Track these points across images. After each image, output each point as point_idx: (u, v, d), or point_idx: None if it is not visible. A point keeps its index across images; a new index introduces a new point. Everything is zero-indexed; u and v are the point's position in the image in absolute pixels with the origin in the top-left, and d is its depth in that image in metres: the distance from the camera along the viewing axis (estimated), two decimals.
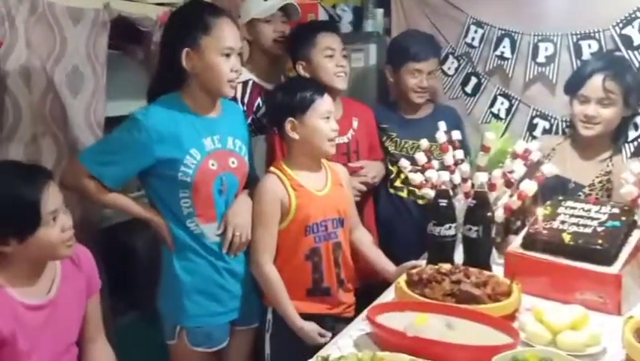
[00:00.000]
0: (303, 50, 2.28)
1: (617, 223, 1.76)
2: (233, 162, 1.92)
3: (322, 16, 2.90)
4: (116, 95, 2.31)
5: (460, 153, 2.11)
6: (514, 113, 2.65)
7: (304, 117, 1.93)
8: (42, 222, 1.46)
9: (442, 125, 2.14)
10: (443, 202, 1.86)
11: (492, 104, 2.70)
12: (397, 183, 2.51)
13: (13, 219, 1.45)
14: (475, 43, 2.70)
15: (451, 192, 1.93)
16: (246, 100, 2.29)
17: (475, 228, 1.81)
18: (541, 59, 2.55)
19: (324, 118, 1.94)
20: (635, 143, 2.35)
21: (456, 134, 2.16)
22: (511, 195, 2.00)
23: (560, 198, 1.97)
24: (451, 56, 2.78)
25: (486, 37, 2.67)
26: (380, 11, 2.92)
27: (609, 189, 2.20)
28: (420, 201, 2.41)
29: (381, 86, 2.81)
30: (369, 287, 2.02)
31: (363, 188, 2.34)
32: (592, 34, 2.44)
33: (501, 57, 2.64)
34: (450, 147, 2.12)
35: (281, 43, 2.37)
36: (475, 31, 2.70)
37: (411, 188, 2.36)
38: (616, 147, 2.29)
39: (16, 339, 1.46)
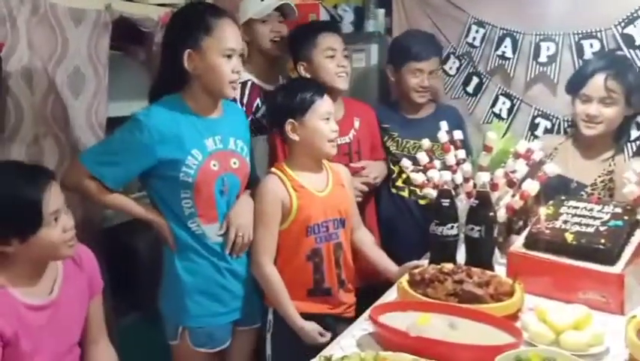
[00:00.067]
0: (304, 51, 2.28)
1: (619, 223, 1.75)
2: (234, 163, 1.92)
3: (323, 16, 2.89)
4: (117, 96, 2.31)
5: (462, 153, 2.11)
6: (515, 112, 2.65)
7: (304, 119, 1.93)
8: (44, 222, 1.46)
9: (444, 125, 2.13)
10: (445, 202, 1.85)
11: (494, 104, 2.69)
12: (399, 183, 2.51)
13: (15, 219, 1.45)
14: (477, 42, 2.70)
15: (453, 192, 1.92)
16: (244, 100, 2.29)
17: (477, 228, 1.81)
18: (542, 58, 2.54)
19: (324, 119, 1.94)
20: (638, 142, 2.35)
21: (458, 134, 2.15)
22: (513, 195, 2.00)
23: (563, 197, 1.97)
24: (452, 56, 2.77)
25: (487, 37, 2.67)
26: (381, 11, 2.92)
27: (611, 188, 2.20)
28: (421, 201, 2.41)
29: (383, 86, 2.80)
30: (369, 287, 2.02)
31: (365, 188, 2.33)
32: (594, 34, 2.43)
33: (502, 57, 2.63)
34: (452, 147, 2.11)
35: (278, 44, 2.37)
36: (477, 31, 2.69)
37: (412, 188, 2.36)
38: (618, 147, 2.29)
39: (19, 340, 1.46)
